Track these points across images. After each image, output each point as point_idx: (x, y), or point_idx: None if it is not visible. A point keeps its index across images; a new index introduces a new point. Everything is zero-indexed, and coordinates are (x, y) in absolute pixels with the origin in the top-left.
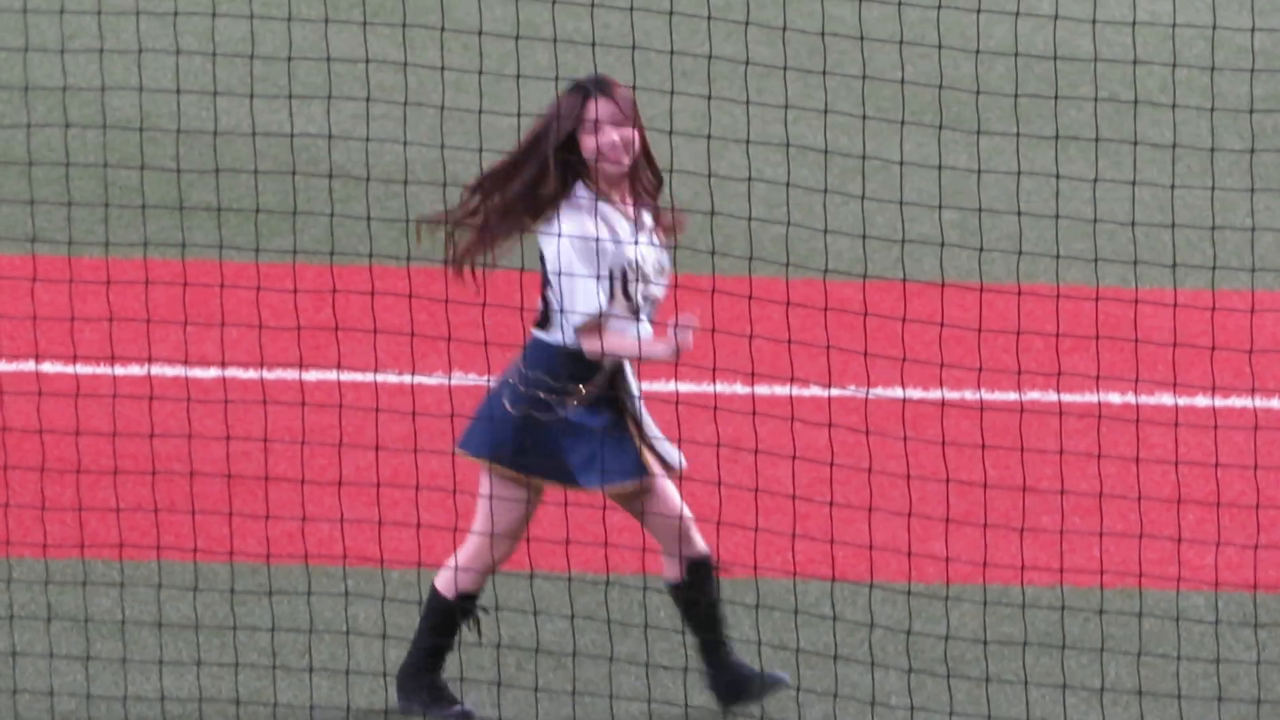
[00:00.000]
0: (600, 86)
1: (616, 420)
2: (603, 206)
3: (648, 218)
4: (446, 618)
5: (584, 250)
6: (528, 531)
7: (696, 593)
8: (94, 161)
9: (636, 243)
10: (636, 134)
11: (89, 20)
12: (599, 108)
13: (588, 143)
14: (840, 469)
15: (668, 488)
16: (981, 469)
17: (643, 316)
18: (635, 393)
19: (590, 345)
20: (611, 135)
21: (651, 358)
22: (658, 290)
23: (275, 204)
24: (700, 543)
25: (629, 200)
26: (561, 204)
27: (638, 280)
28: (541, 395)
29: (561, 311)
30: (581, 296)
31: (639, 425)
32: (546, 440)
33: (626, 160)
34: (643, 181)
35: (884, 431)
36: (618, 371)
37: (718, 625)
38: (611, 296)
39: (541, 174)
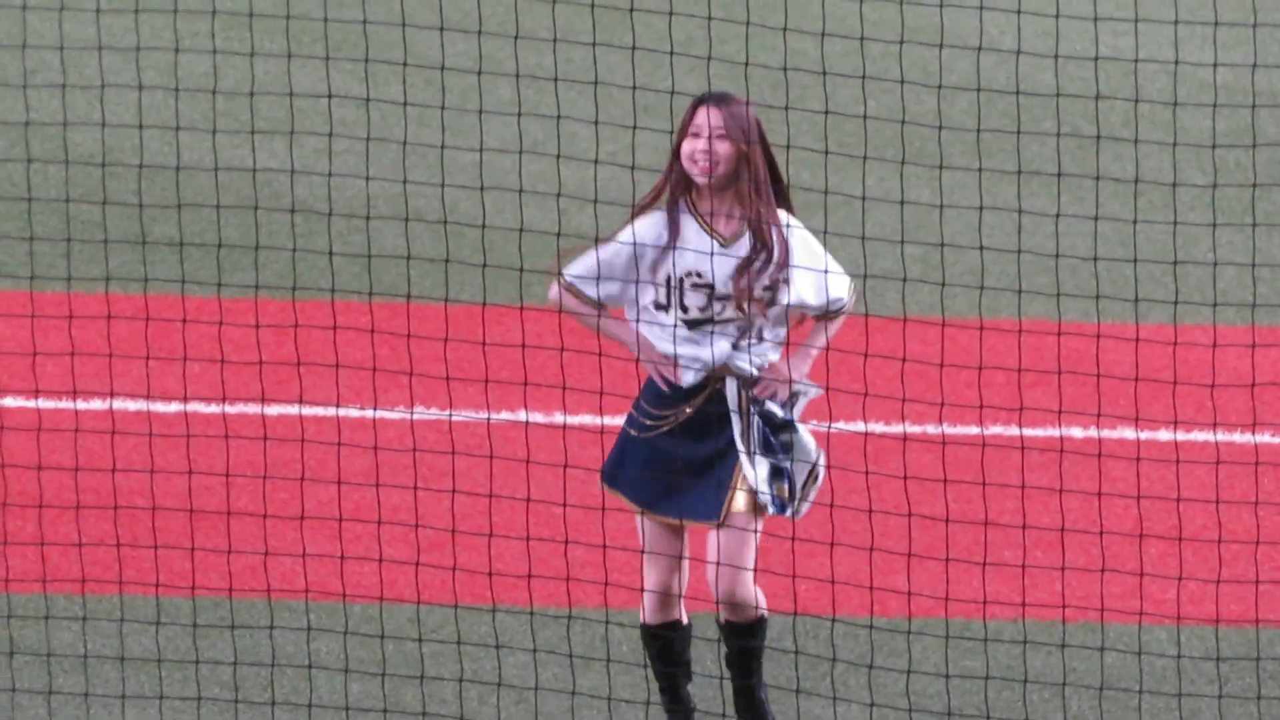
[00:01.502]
0: (714, 98)
1: (718, 456)
2: (683, 215)
3: (746, 237)
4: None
5: (621, 249)
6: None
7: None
8: (56, 196)
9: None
10: (732, 149)
11: (51, 55)
12: (701, 116)
13: (682, 147)
14: None
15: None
16: (944, 503)
17: (707, 330)
18: (739, 428)
19: (551, 292)
20: (699, 143)
21: (609, 335)
22: (724, 308)
23: (237, 239)
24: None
25: (726, 214)
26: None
27: (694, 290)
28: (642, 419)
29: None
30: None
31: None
32: (645, 467)
33: (716, 169)
34: (742, 198)
35: (846, 465)
36: (712, 398)
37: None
38: (668, 305)
39: (663, 175)
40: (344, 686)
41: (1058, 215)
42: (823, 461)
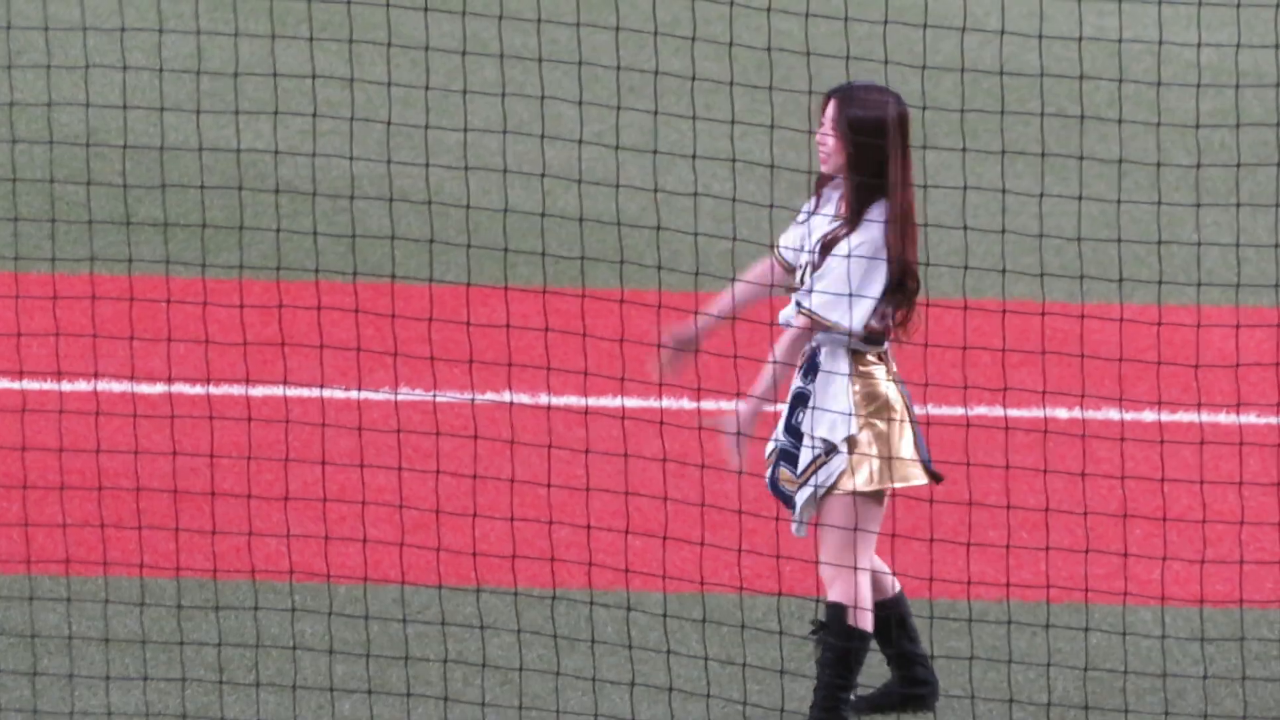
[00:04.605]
0: (836, 92)
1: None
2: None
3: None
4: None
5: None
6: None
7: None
8: (41, 177)
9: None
10: (839, 147)
11: (36, 36)
12: (827, 109)
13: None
14: None
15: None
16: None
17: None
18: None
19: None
20: (822, 135)
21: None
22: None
23: (222, 219)
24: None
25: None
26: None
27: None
28: None
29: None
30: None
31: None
32: None
33: (825, 162)
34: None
35: None
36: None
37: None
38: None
39: None
40: (329, 668)
41: (1042, 195)
42: (829, 483)
